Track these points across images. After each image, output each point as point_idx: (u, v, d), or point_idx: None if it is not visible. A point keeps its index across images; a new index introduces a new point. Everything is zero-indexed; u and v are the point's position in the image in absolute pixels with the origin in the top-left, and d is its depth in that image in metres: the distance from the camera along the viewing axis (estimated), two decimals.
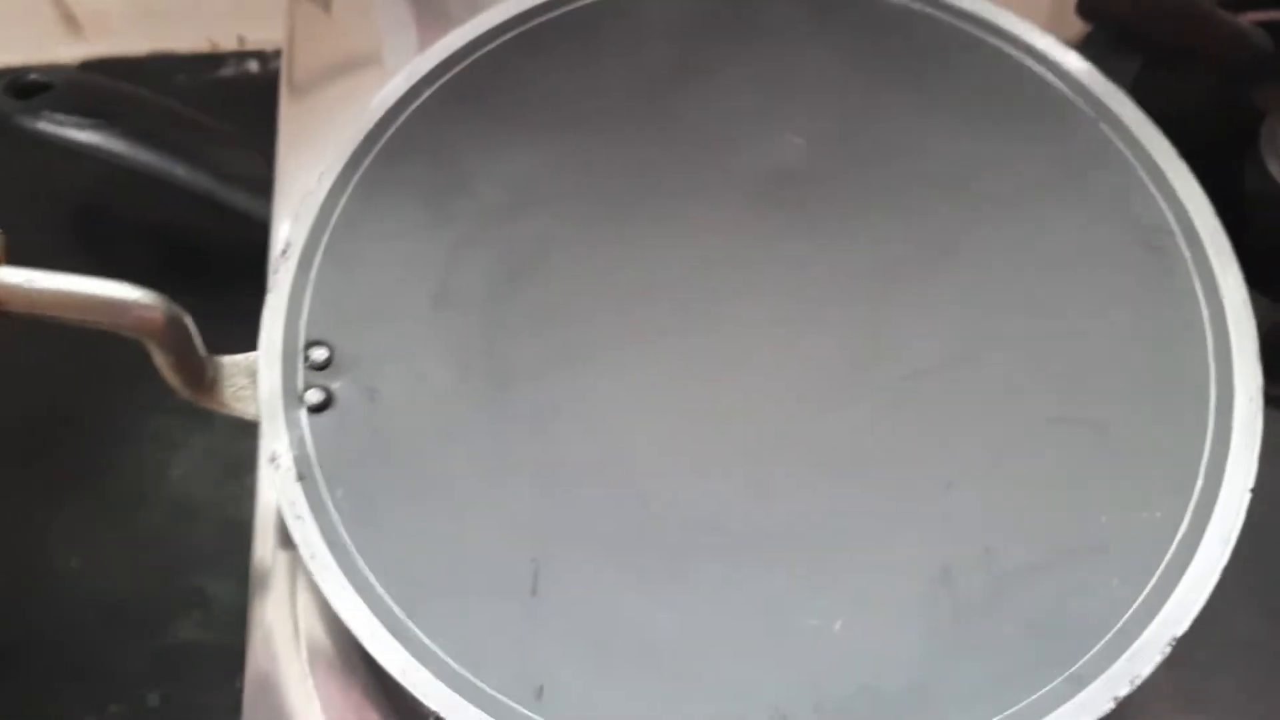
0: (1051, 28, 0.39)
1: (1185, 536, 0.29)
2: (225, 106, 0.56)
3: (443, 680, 0.28)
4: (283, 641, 0.33)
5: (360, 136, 0.36)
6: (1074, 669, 0.28)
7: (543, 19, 0.39)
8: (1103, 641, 0.28)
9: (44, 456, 0.49)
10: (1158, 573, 0.29)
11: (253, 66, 0.60)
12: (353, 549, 0.30)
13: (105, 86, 0.51)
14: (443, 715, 0.27)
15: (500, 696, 0.28)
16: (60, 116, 0.49)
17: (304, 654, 0.33)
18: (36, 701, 0.43)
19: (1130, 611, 0.28)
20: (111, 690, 0.43)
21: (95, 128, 0.49)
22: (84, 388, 0.49)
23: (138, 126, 0.49)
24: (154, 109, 0.51)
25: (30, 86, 0.50)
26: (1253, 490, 0.29)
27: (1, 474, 0.49)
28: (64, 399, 0.50)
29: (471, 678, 0.28)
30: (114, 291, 0.28)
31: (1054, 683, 0.28)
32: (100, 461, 0.49)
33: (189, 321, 0.30)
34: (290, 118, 0.45)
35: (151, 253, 0.54)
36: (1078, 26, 0.45)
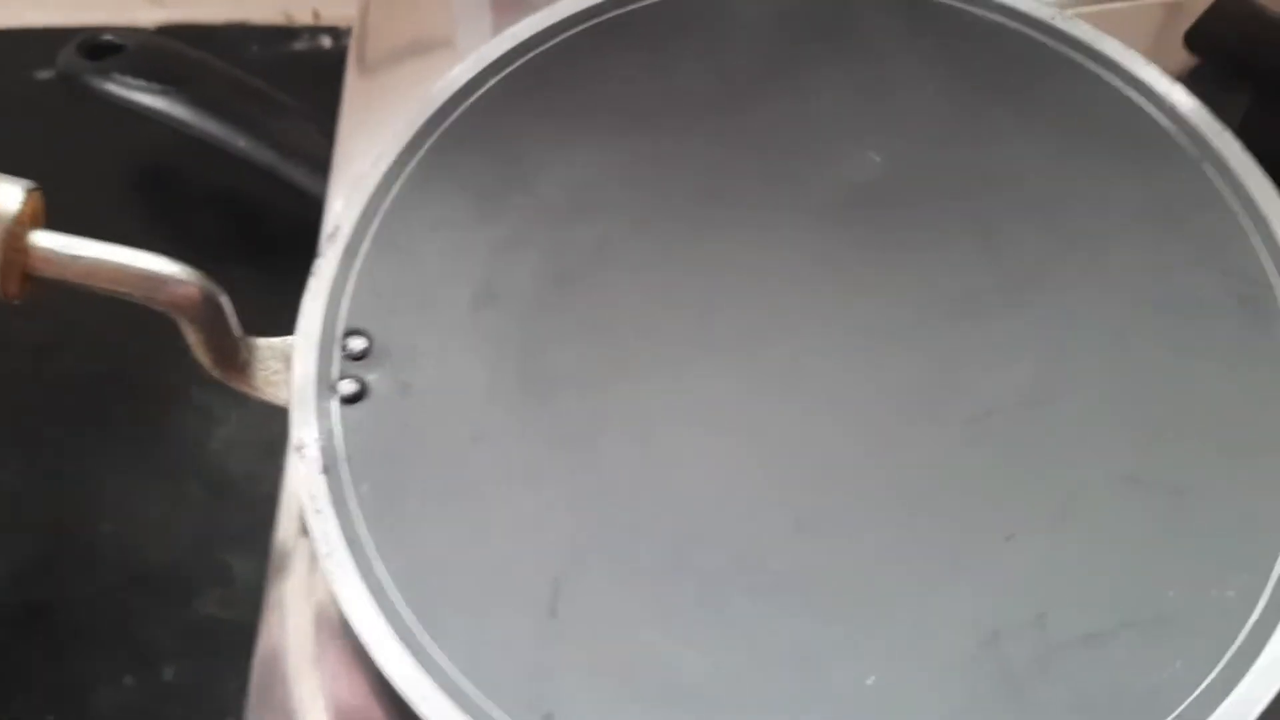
0: (1155, 57, 0.36)
1: (1260, 620, 0.27)
2: (296, 80, 0.55)
3: (447, 695, 0.26)
4: (295, 629, 0.32)
5: (419, 122, 0.35)
6: None
7: (621, 10, 0.38)
8: None
9: (88, 420, 0.49)
10: (1226, 657, 0.26)
11: (325, 42, 0.60)
12: (370, 548, 0.28)
13: (175, 52, 0.51)
14: None
15: None
16: (129, 79, 0.49)
17: (316, 644, 0.32)
18: (53, 666, 0.43)
19: (1191, 698, 0.26)
20: (128, 661, 0.43)
21: (162, 93, 0.48)
22: (133, 353, 0.49)
23: (204, 94, 0.49)
24: (221, 78, 0.51)
25: (103, 47, 0.50)
26: None
27: (46, 433, 0.49)
28: (112, 364, 0.50)
29: (478, 697, 0.27)
30: (150, 264, 0.27)
31: None
32: (142, 430, 0.48)
33: (225, 301, 0.29)
34: (355, 96, 0.44)
35: (211, 222, 0.54)
36: (1183, 57, 0.43)
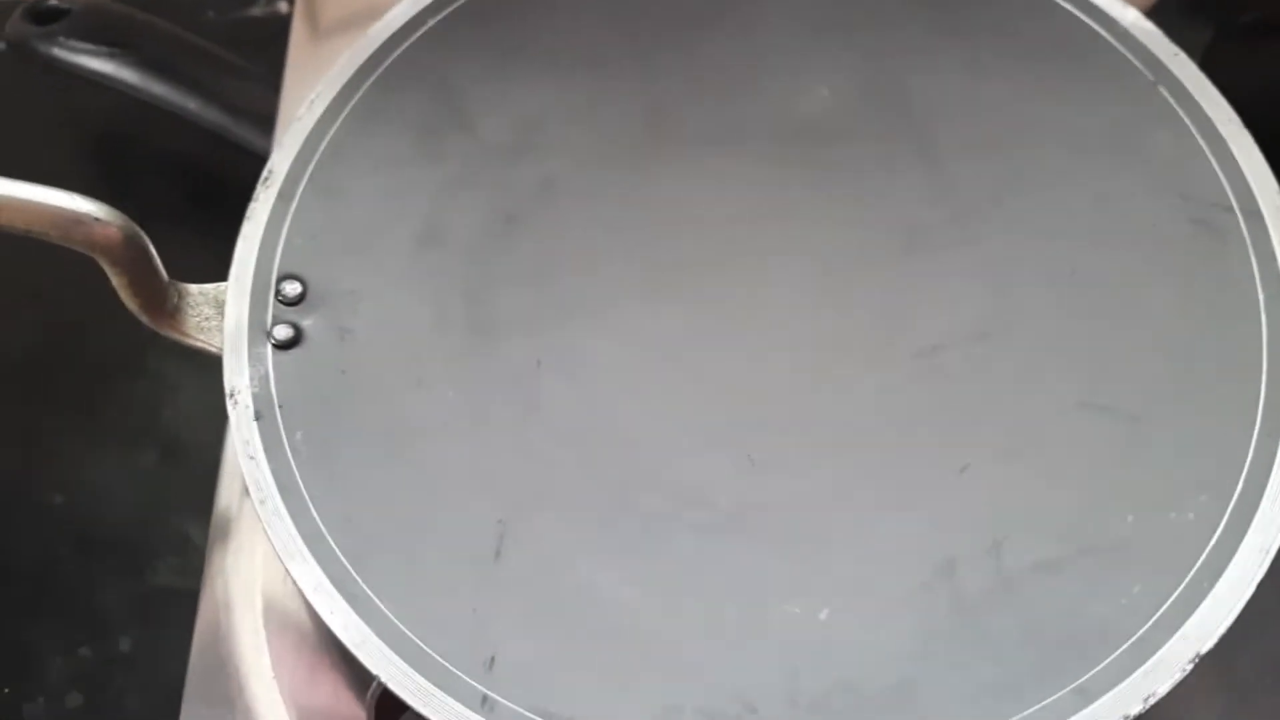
0: None
1: (1219, 543, 0.26)
2: (253, 45, 0.54)
3: (387, 642, 0.26)
4: (239, 591, 0.32)
5: (358, 63, 0.34)
6: (1081, 681, 0.25)
7: None
8: (1117, 653, 0.25)
9: (38, 387, 0.48)
10: (1185, 581, 0.26)
11: (282, 7, 0.59)
12: (306, 495, 0.28)
13: (121, 14, 0.49)
14: (385, 681, 0.25)
15: (448, 664, 0.26)
16: (75, 43, 0.47)
17: (259, 605, 0.31)
18: (6, 637, 0.42)
19: (1150, 622, 0.25)
20: (83, 631, 0.42)
21: (109, 56, 0.47)
22: (85, 317, 0.48)
23: (152, 57, 0.48)
24: (170, 40, 0.49)
25: (49, 12, 0.49)
26: None
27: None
28: (64, 328, 0.49)
29: (419, 642, 0.26)
30: (67, 202, 0.26)
31: (1057, 694, 0.25)
32: (94, 396, 0.47)
33: (147, 242, 0.28)
34: (301, 55, 0.43)
35: (167, 185, 0.53)
36: None
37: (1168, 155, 0.31)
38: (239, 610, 0.31)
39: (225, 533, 0.33)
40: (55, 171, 0.50)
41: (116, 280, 0.27)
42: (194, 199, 0.52)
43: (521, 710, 0.25)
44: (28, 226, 0.26)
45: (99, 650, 0.42)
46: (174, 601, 0.43)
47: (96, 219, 0.26)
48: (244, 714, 0.30)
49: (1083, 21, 0.34)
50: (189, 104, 0.48)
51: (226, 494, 0.33)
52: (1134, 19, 0.33)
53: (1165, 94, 0.32)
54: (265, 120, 0.48)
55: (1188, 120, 0.32)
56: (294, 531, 0.27)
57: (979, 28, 0.34)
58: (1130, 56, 0.33)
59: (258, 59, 0.53)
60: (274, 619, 0.31)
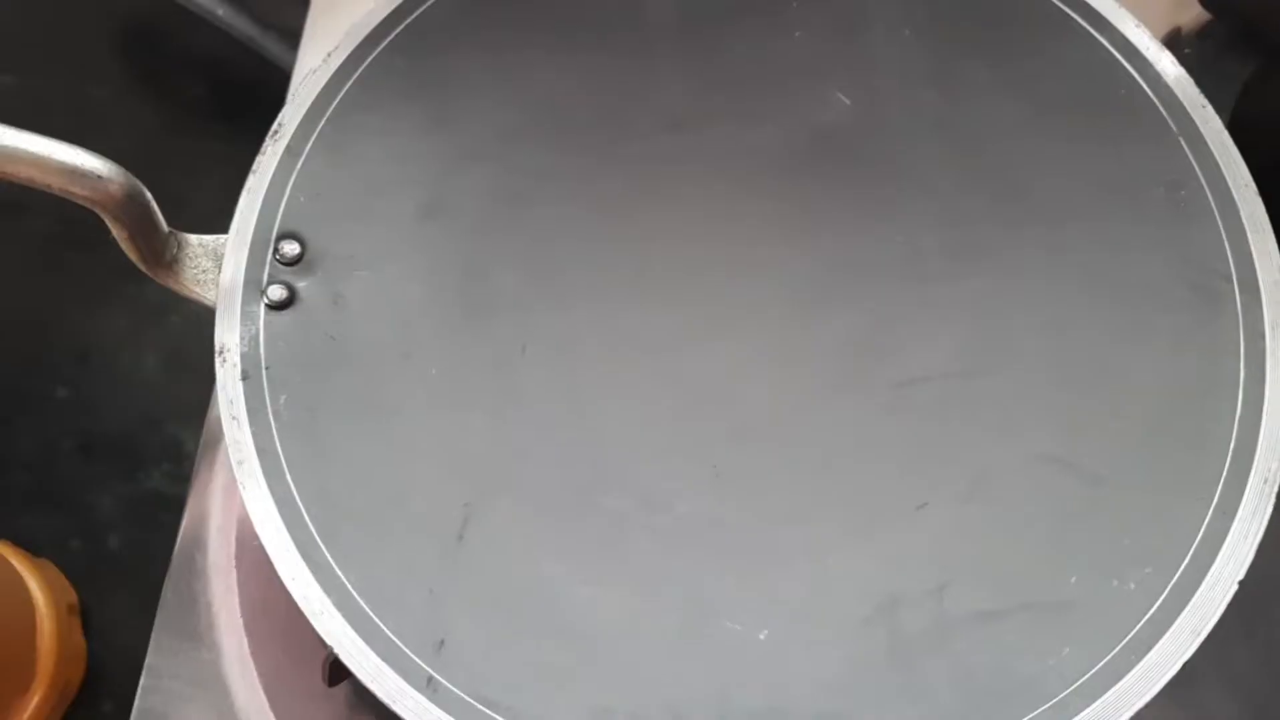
0: (1172, 11, 0.34)
1: (1154, 618, 0.27)
2: None
3: (343, 614, 0.27)
4: (216, 529, 0.33)
5: (377, 20, 0.34)
6: None
7: None
8: (1036, 712, 0.26)
9: (50, 283, 0.49)
10: (1114, 651, 0.27)
11: None
12: (283, 460, 0.29)
13: None
14: (337, 652, 0.27)
15: (399, 642, 0.27)
16: None
17: (232, 546, 0.32)
18: (1, 522, 0.43)
19: (1073, 687, 0.26)
20: (75, 526, 0.44)
21: None
22: (99, 219, 0.49)
23: None
24: None
25: None
26: (1240, 583, 0.27)
27: (6, 293, 0.49)
28: (78, 227, 0.49)
29: (374, 617, 0.27)
30: (71, 157, 0.27)
31: None
32: (104, 297, 0.48)
33: (149, 198, 0.28)
34: None
35: (190, 88, 0.53)
36: (1196, 13, 0.41)
37: (1176, 213, 0.31)
38: (214, 548, 0.33)
39: (209, 470, 0.34)
40: (83, 63, 0.50)
41: (117, 233, 0.28)
42: (215, 105, 0.52)
43: (464, 695, 0.26)
44: (30, 178, 0.26)
45: (88, 545, 0.44)
46: (163, 505, 0.45)
47: (99, 175, 0.27)
48: (209, 650, 0.32)
49: (1115, 58, 0.33)
50: (218, 9, 0.48)
51: (218, 411, 0.34)
52: (1166, 64, 0.33)
53: (1185, 147, 0.32)
54: (292, 35, 0.48)
55: (1202, 179, 0.31)
56: (267, 494, 0.28)
57: (1009, 53, 0.33)
58: (1157, 103, 0.32)
59: None
60: (246, 560, 0.33)
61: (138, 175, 0.28)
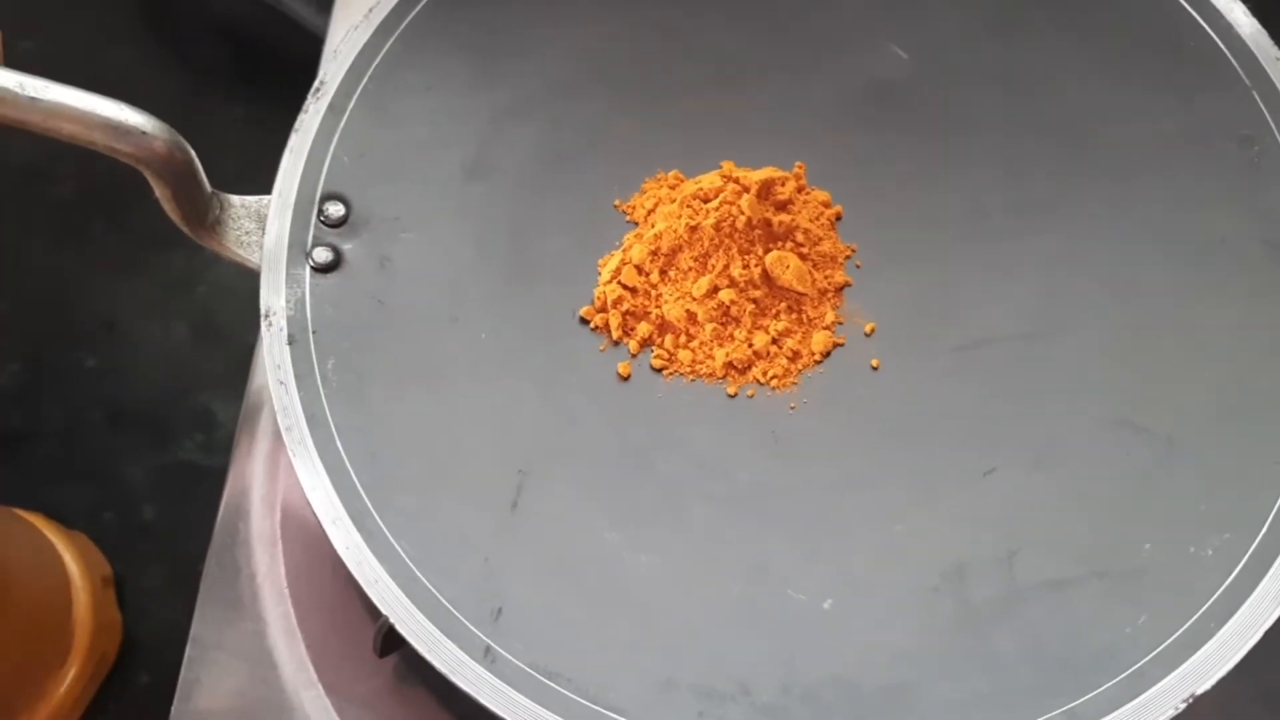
0: None
1: (1234, 584, 0.26)
2: None
3: (399, 583, 0.26)
4: (260, 499, 0.32)
5: None
6: (1074, 705, 0.25)
7: None
8: (1113, 682, 0.25)
9: (77, 251, 0.48)
10: (1193, 619, 0.26)
11: None
12: (332, 426, 0.28)
13: None
14: (393, 622, 0.26)
15: (455, 611, 0.26)
16: None
17: (277, 515, 0.32)
18: (33, 494, 0.43)
19: (1151, 655, 0.25)
20: (108, 497, 0.43)
21: None
22: (127, 184, 0.48)
23: None
24: None
25: None
26: None
27: (33, 261, 0.48)
28: (105, 193, 0.49)
29: (430, 585, 0.26)
30: (115, 113, 0.26)
31: (1048, 715, 0.25)
32: (131, 264, 0.47)
33: (192, 155, 0.27)
34: None
35: (218, 50, 0.52)
36: None
37: (1249, 167, 0.30)
38: (258, 517, 0.32)
39: (251, 438, 0.33)
40: (102, 27, 0.49)
41: (160, 191, 0.27)
42: (243, 67, 0.51)
43: (522, 665, 0.26)
44: (74, 135, 0.25)
45: (122, 516, 0.43)
46: (197, 476, 0.44)
47: (144, 131, 0.26)
48: (254, 620, 0.31)
49: (1183, 8, 0.32)
50: None
51: (260, 378, 0.33)
52: (1240, 14, 0.31)
53: (1259, 100, 0.31)
54: None
55: (1277, 133, 0.30)
56: (318, 462, 0.27)
57: (1075, 7, 0.32)
58: (1229, 55, 0.31)
59: None
60: (291, 529, 0.32)
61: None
